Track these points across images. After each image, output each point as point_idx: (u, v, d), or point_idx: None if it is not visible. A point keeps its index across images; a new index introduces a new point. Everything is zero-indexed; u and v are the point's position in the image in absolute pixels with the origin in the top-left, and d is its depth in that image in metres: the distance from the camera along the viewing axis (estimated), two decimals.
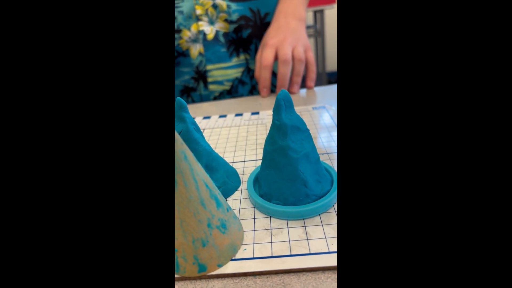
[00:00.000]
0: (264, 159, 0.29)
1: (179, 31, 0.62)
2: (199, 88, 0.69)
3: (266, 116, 0.50)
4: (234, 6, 0.62)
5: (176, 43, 0.63)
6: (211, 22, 0.62)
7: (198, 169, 0.22)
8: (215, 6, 0.61)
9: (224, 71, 0.66)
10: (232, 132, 0.46)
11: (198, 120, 0.53)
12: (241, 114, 0.53)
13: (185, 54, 0.65)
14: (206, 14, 0.62)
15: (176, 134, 0.21)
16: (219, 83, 0.67)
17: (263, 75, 0.59)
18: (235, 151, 0.41)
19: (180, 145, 0.21)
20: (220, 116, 0.53)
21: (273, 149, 0.27)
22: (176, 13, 0.61)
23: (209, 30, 0.62)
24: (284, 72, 0.57)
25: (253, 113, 0.53)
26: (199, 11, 0.61)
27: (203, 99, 0.69)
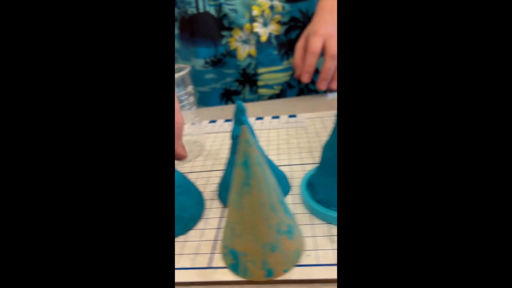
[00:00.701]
0: (322, 165, 0.29)
1: (230, 29, 0.62)
2: (243, 91, 0.68)
3: (305, 119, 0.50)
4: (287, 7, 0.61)
5: (225, 41, 0.63)
6: (265, 24, 0.62)
7: (268, 173, 0.22)
8: (272, 7, 0.60)
9: (275, 75, 0.66)
10: (272, 135, 0.46)
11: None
12: (278, 117, 0.53)
13: (232, 54, 0.64)
14: (262, 15, 0.61)
15: (252, 139, 0.21)
16: (269, 87, 0.67)
17: (309, 61, 0.55)
18: (277, 154, 0.41)
19: (254, 150, 0.21)
20: (257, 118, 0.53)
21: (334, 155, 0.27)
22: (227, 10, 0.60)
23: (263, 32, 0.62)
24: (330, 66, 0.56)
25: (290, 116, 0.53)
26: (255, 12, 0.60)
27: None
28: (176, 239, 0.28)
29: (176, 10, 0.66)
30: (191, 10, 0.62)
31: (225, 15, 0.61)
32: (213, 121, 0.55)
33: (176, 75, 0.37)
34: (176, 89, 0.39)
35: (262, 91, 0.67)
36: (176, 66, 0.40)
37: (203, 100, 0.70)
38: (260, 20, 0.61)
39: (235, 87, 0.67)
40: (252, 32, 0.61)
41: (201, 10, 0.61)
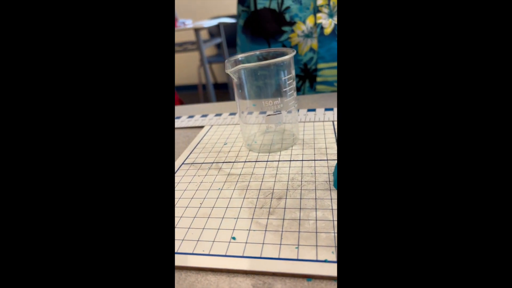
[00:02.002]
0: None
1: (292, 23, 0.59)
2: (303, 87, 0.65)
3: None
4: None
5: (285, 37, 0.60)
6: (331, 15, 0.58)
7: None
8: None
9: (336, 71, 0.61)
10: None
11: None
12: (331, 109, 0.50)
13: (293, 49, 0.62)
14: (328, 4, 0.57)
15: None
16: (329, 84, 0.62)
17: None
18: None
19: None
20: (309, 110, 0.51)
21: None
22: (291, 3, 0.58)
23: (328, 24, 0.57)
24: None
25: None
26: (320, 1, 0.56)
27: None
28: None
29: (240, 7, 0.64)
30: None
31: (287, 8, 0.58)
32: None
33: (280, 58, 0.35)
34: (281, 72, 0.37)
35: (320, 87, 0.63)
36: (284, 49, 0.39)
37: (260, 95, 0.69)
38: (325, 10, 0.57)
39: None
40: (315, 24, 0.58)
41: (252, 8, 0.58)
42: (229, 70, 0.35)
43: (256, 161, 0.38)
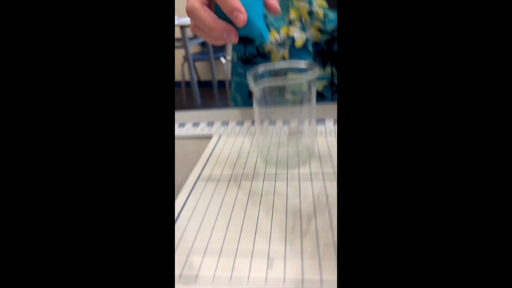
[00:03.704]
0: None
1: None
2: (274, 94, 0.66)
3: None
4: (331, 15, 0.57)
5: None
6: (303, 29, 0.59)
7: None
8: (311, 13, 0.57)
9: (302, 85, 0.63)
10: None
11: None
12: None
13: (265, 56, 0.62)
14: (300, 20, 0.58)
15: None
16: (295, 93, 0.64)
17: None
18: None
19: None
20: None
21: None
22: (266, 12, 0.58)
23: (299, 37, 0.59)
24: None
25: None
26: (292, 15, 0.58)
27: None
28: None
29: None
30: None
31: (265, 16, 0.58)
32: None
33: (309, 75, 0.35)
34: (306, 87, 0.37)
35: (288, 96, 0.65)
36: (302, 62, 0.39)
37: (237, 89, 0.70)
38: (298, 24, 0.58)
39: None
40: (288, 35, 0.59)
41: None
42: (254, 88, 0.35)
43: (275, 180, 0.38)
